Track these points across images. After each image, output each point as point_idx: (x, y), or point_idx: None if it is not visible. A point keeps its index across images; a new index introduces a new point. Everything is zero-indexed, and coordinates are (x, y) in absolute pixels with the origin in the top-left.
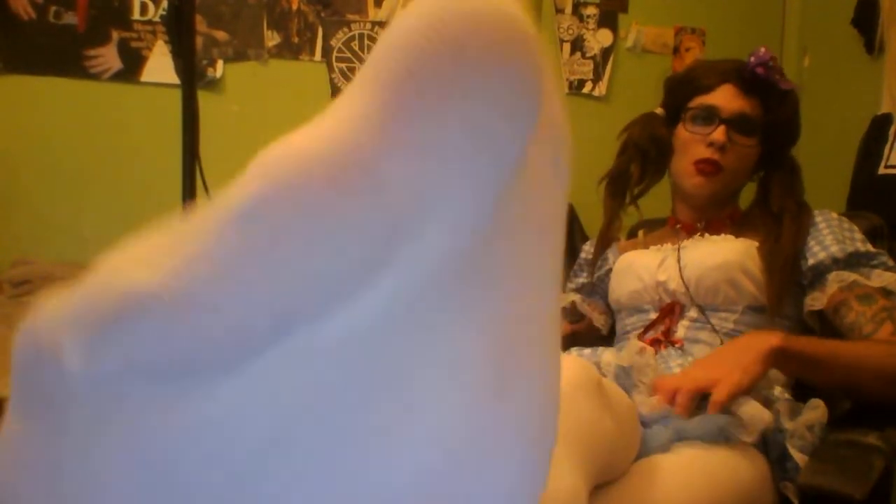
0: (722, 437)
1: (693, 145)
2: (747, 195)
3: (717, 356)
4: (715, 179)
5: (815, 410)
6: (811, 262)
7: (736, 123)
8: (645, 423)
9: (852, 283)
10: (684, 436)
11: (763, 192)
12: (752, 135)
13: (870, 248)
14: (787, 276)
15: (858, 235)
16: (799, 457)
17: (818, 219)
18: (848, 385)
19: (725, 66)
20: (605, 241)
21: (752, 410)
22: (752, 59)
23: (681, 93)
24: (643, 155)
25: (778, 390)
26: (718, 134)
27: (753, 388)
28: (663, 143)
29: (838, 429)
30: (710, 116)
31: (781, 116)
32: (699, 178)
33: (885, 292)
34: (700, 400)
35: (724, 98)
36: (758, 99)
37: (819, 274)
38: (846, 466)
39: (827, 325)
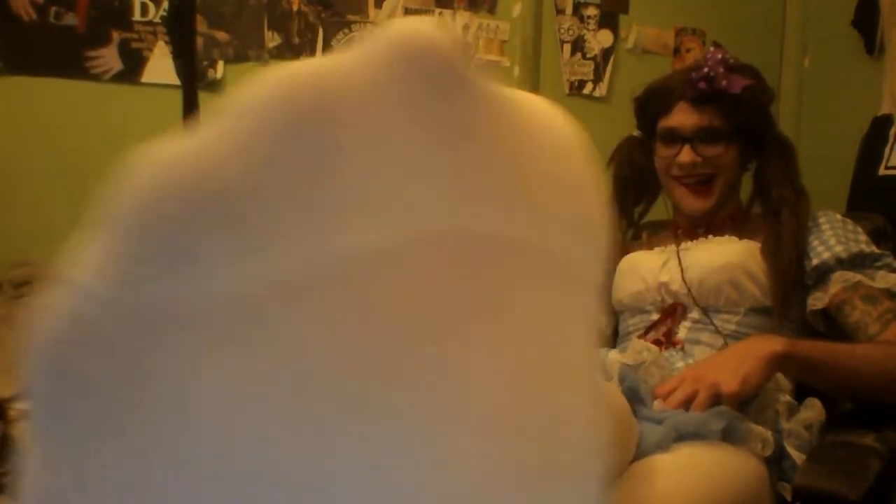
0: (721, 438)
1: (670, 167)
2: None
3: (717, 361)
4: (710, 193)
5: (812, 409)
6: (815, 262)
7: (698, 138)
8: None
9: (856, 284)
10: (682, 431)
11: (758, 182)
12: (719, 141)
13: (874, 249)
14: (792, 277)
15: (863, 237)
16: (797, 455)
17: (821, 219)
18: (850, 388)
19: (674, 84)
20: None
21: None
22: (694, 74)
23: (646, 116)
24: (631, 183)
25: (780, 395)
26: (684, 155)
27: (759, 392)
28: (644, 167)
29: (836, 430)
30: (672, 138)
31: (743, 115)
32: (695, 201)
33: (891, 294)
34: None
35: (681, 117)
36: (715, 106)
37: (823, 274)
38: (842, 468)
39: (833, 326)
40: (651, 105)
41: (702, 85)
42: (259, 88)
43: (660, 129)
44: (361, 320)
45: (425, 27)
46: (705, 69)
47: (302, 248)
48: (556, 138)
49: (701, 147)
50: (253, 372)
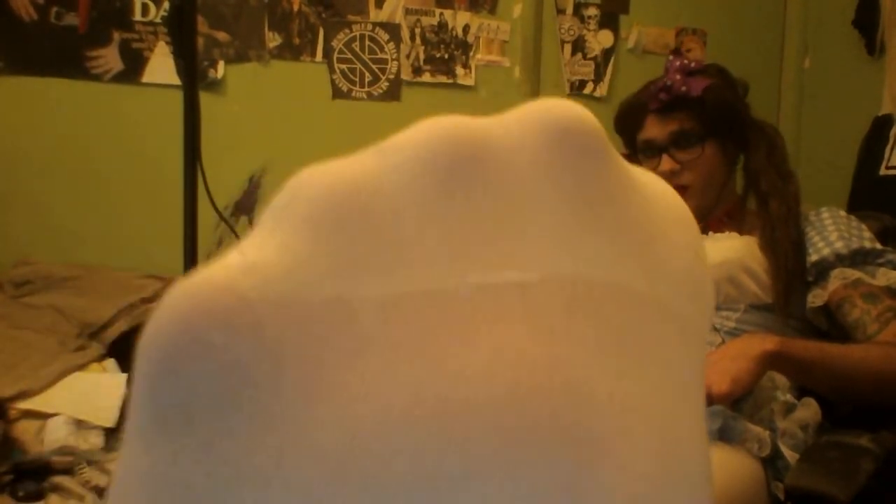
0: (717, 437)
1: None
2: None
3: (709, 361)
4: (685, 201)
5: (808, 409)
6: (815, 258)
7: (674, 144)
8: None
9: (856, 281)
10: None
11: (747, 175)
12: (696, 144)
13: (877, 245)
14: (791, 271)
15: (866, 233)
16: (790, 455)
17: (825, 214)
18: (845, 389)
19: (640, 100)
20: None
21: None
22: (652, 86)
23: (625, 133)
24: None
25: (779, 393)
26: (664, 164)
27: (752, 392)
28: None
29: (832, 430)
30: (650, 149)
31: (711, 114)
32: None
33: (891, 292)
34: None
35: (653, 129)
36: (683, 112)
37: (823, 270)
38: (833, 468)
39: (835, 323)
40: (626, 122)
41: (662, 96)
42: (423, 130)
43: (638, 143)
44: (491, 339)
45: (575, 107)
46: (665, 79)
47: (442, 272)
48: (672, 207)
49: (677, 153)
50: (384, 387)
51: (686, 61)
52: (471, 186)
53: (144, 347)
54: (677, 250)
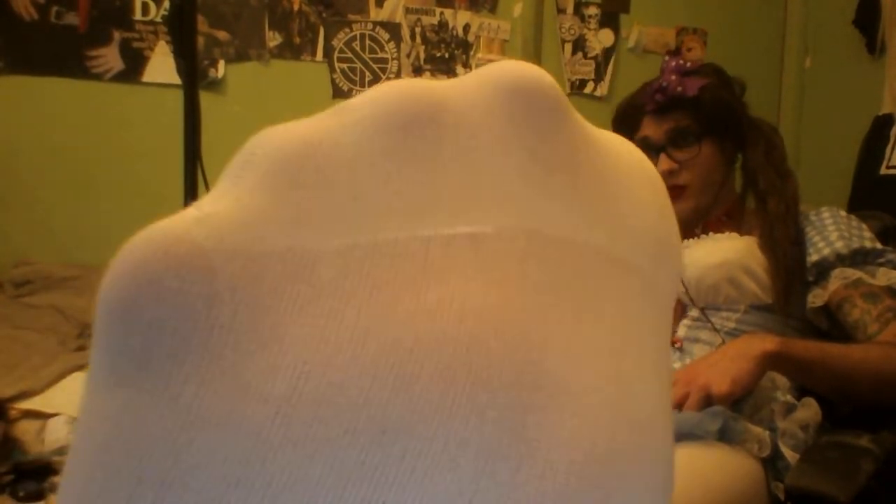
0: (717, 438)
1: None
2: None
3: (709, 362)
4: (683, 201)
5: (809, 409)
6: (815, 258)
7: (671, 143)
8: None
9: (857, 281)
10: (678, 431)
11: (745, 174)
12: (693, 143)
13: (878, 245)
14: (790, 270)
15: (867, 233)
16: (790, 455)
17: (825, 214)
18: (845, 390)
19: (637, 101)
20: None
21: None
22: (648, 88)
23: (623, 134)
24: None
25: (779, 393)
26: (662, 164)
27: (751, 392)
28: None
29: (832, 430)
30: (647, 149)
31: (708, 113)
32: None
33: (892, 292)
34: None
35: (650, 128)
36: (678, 112)
37: (823, 270)
38: (833, 468)
39: (836, 323)
40: (624, 124)
41: (658, 97)
42: (380, 91)
43: (636, 143)
44: (442, 287)
45: (532, 68)
46: (661, 80)
47: (396, 225)
48: (637, 168)
49: (674, 152)
50: (344, 333)
51: (682, 61)
52: (425, 144)
53: (102, 294)
54: (640, 209)
